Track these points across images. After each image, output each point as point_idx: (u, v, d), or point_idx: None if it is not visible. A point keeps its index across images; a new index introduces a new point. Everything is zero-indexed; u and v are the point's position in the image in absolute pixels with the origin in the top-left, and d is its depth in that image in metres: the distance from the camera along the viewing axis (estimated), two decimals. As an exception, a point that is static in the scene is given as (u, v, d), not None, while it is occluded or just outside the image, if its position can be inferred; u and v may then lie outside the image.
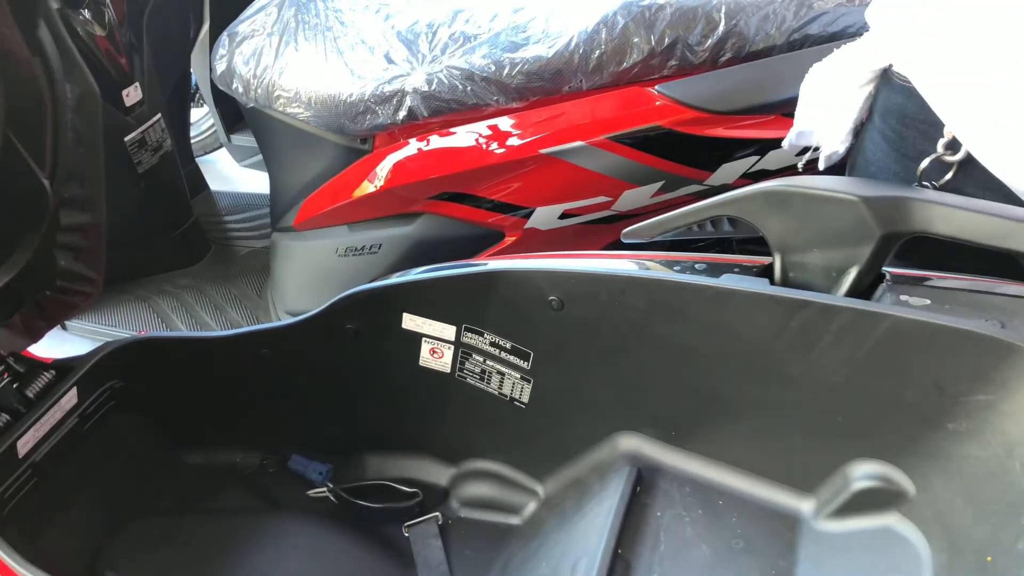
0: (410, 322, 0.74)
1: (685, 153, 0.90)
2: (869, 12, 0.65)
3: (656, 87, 0.89)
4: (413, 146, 1.02)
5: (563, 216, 0.98)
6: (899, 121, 0.64)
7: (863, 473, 0.59)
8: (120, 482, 0.80)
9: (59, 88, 0.55)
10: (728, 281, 0.60)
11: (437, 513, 0.80)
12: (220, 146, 1.73)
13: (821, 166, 0.73)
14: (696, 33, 0.89)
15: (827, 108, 0.71)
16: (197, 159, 1.76)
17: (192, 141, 1.79)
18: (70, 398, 0.73)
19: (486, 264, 0.70)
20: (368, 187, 1.05)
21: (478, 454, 0.81)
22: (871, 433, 0.58)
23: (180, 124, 1.67)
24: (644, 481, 0.68)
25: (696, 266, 0.64)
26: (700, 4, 0.89)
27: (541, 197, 0.96)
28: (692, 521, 0.64)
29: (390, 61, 0.99)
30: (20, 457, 0.69)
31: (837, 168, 0.73)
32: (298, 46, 1.05)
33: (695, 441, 0.68)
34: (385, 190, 1.04)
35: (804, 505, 0.63)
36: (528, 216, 0.99)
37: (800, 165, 0.75)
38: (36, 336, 0.80)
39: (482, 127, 0.98)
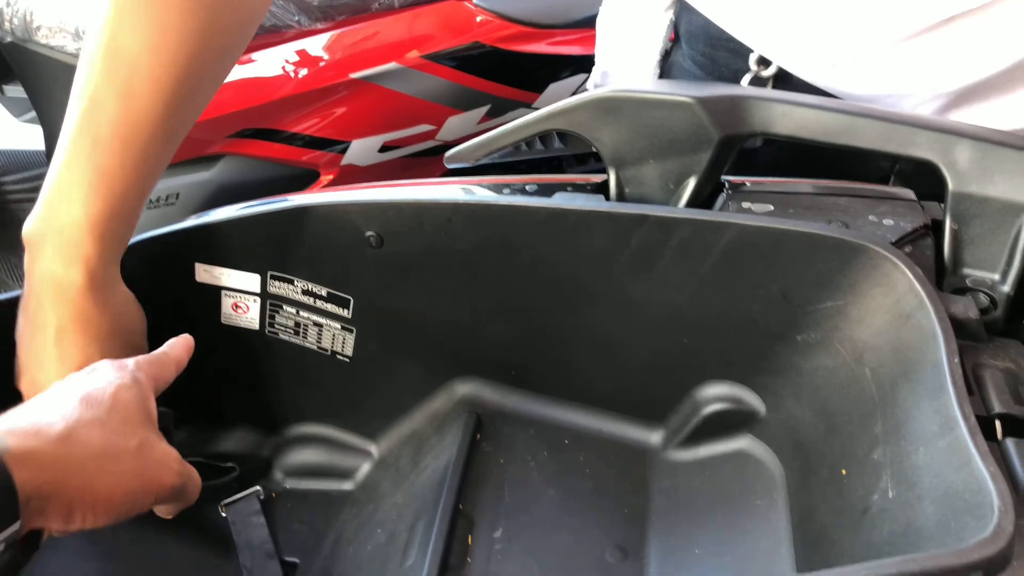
0: (204, 274, 0.64)
1: (509, 73, 0.83)
2: None
3: (474, 0, 0.82)
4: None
5: (383, 149, 0.89)
6: (706, 44, 0.61)
7: (712, 396, 0.56)
8: None
9: None
10: (561, 200, 0.54)
11: (258, 487, 0.71)
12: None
13: None
14: (514, -60, 0.82)
15: (628, 41, 0.66)
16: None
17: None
18: None
19: (289, 199, 0.61)
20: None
21: (301, 418, 0.72)
22: (719, 353, 0.55)
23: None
24: (484, 428, 0.62)
25: (527, 188, 0.58)
26: (515, -92, 0.82)
27: (356, 128, 0.87)
28: (538, 465, 0.59)
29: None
30: None
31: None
32: (55, -38, 0.90)
33: (537, 380, 0.62)
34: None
35: (654, 436, 0.59)
36: (344, 151, 0.89)
37: None
38: None
39: (285, 52, 0.87)
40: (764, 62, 0.58)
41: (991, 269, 0.49)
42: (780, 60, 0.57)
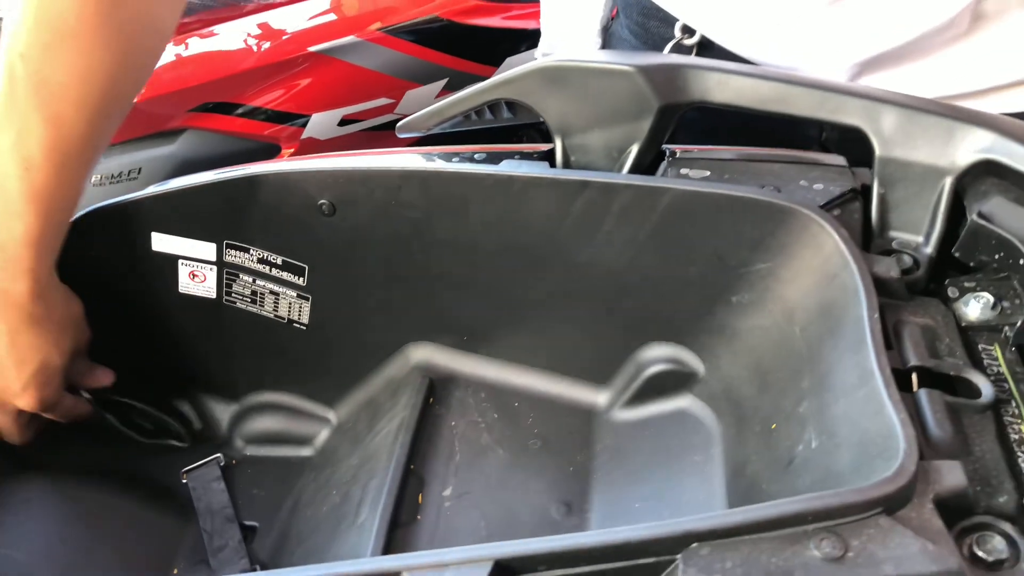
0: (161, 243, 0.64)
1: (467, 46, 0.84)
2: None
3: (430, -27, 0.83)
4: (168, 51, 0.89)
5: (343, 122, 0.90)
6: (639, 12, 0.63)
7: (654, 357, 0.58)
8: None
9: None
10: (507, 167, 0.55)
11: (219, 455, 0.72)
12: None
13: None
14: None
15: (571, 12, 0.68)
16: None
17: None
18: None
19: (244, 168, 0.62)
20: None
21: (260, 386, 0.73)
22: (660, 315, 0.57)
23: None
24: (437, 391, 0.63)
25: (475, 156, 0.59)
26: None
27: (316, 102, 0.88)
28: (488, 427, 0.61)
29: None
30: None
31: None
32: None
33: (488, 344, 0.64)
34: (138, 104, 0.91)
35: (600, 398, 0.61)
36: (304, 125, 0.90)
37: None
38: None
39: (246, 25, 0.88)
40: (688, 31, 0.60)
41: (915, 232, 0.51)
42: (703, 28, 0.58)
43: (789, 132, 0.56)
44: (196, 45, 0.85)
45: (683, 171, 0.54)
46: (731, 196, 0.50)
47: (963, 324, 0.48)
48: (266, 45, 0.83)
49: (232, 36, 0.84)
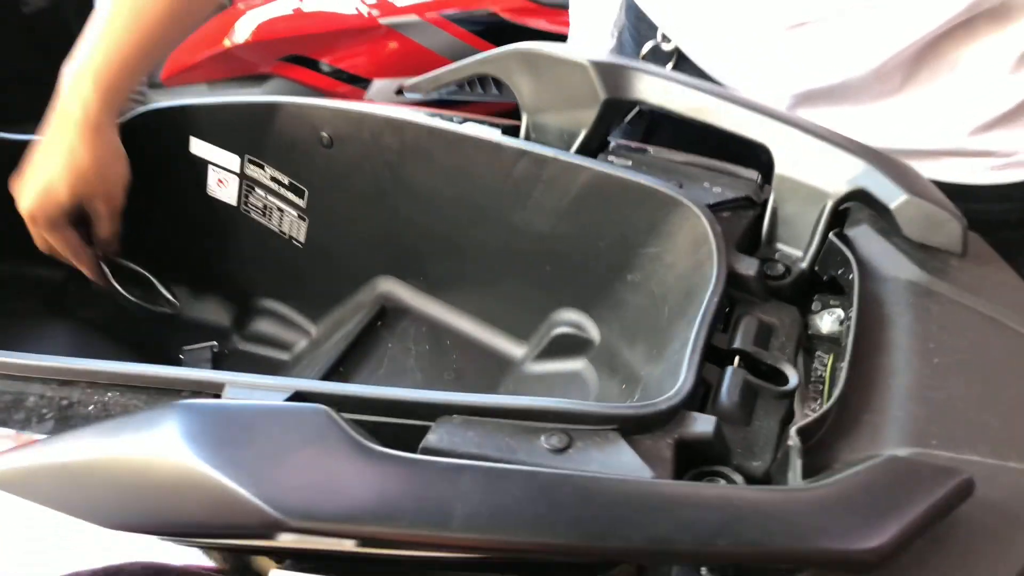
0: (197, 147, 0.77)
1: (512, 41, 0.93)
2: None
3: (494, -27, 0.92)
4: (266, 7, 1.03)
5: (399, 92, 1.01)
6: (635, 15, 0.69)
7: (563, 320, 0.64)
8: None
9: None
10: (466, 129, 0.63)
11: (214, 343, 0.84)
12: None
13: None
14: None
15: (592, 15, 0.76)
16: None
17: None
18: None
19: (269, 97, 0.73)
20: (225, 43, 1.07)
21: (259, 292, 0.84)
22: (572, 283, 0.63)
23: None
24: (388, 317, 0.72)
25: (454, 119, 0.68)
26: None
27: (378, 69, 0.99)
28: (417, 354, 0.69)
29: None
30: None
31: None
32: None
33: (439, 287, 0.72)
34: (241, 47, 1.05)
35: (517, 351, 0.68)
36: (366, 88, 1.01)
37: None
38: None
39: (333, -8, 1.00)
40: (667, 37, 0.66)
41: (798, 246, 0.55)
42: (674, 37, 0.64)
43: (743, 152, 0.61)
44: (286, 4, 0.98)
45: (611, 158, 0.61)
46: (633, 182, 0.56)
47: (810, 332, 0.52)
48: (342, 9, 0.95)
49: (315, 1, 0.97)
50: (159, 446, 0.36)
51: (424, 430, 0.41)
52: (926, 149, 0.61)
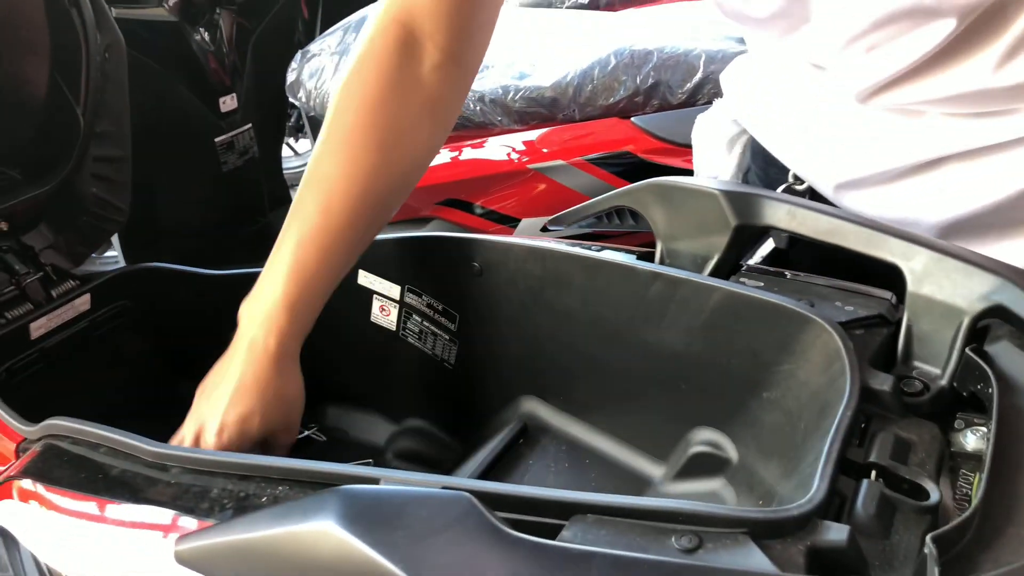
0: (364, 278, 0.85)
1: (645, 177, 0.99)
2: (723, 76, 0.76)
3: (632, 119, 1.00)
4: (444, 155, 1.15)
5: (543, 229, 1.08)
6: (764, 160, 0.73)
7: (700, 439, 0.65)
8: (119, 395, 0.93)
9: (91, 34, 0.71)
10: (604, 254, 0.68)
11: (370, 460, 0.89)
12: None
13: None
14: (677, 77, 0.99)
15: (716, 155, 0.80)
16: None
17: (296, 169, 2.01)
18: (84, 302, 0.88)
19: (429, 232, 0.81)
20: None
21: (414, 412, 0.90)
22: (708, 401, 0.65)
23: (271, 138, 1.89)
24: (529, 435, 0.76)
25: (592, 247, 0.73)
26: (683, 52, 1.00)
27: (526, 208, 1.07)
28: (556, 472, 0.71)
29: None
30: (32, 339, 0.84)
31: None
32: (349, 62, 1.22)
33: (579, 407, 0.75)
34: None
35: (656, 471, 0.69)
36: (515, 227, 1.10)
37: None
38: (78, 260, 0.96)
39: (488, 143, 1.11)
40: (799, 179, 0.68)
41: (935, 364, 0.55)
42: (807, 178, 0.67)
43: (875, 275, 0.62)
44: (446, 152, 1.09)
45: (743, 280, 0.63)
46: (764, 300, 0.58)
47: (954, 450, 0.51)
48: (495, 156, 1.05)
49: (471, 149, 1.07)
50: (319, 525, 0.40)
51: (559, 528, 0.43)
52: None
